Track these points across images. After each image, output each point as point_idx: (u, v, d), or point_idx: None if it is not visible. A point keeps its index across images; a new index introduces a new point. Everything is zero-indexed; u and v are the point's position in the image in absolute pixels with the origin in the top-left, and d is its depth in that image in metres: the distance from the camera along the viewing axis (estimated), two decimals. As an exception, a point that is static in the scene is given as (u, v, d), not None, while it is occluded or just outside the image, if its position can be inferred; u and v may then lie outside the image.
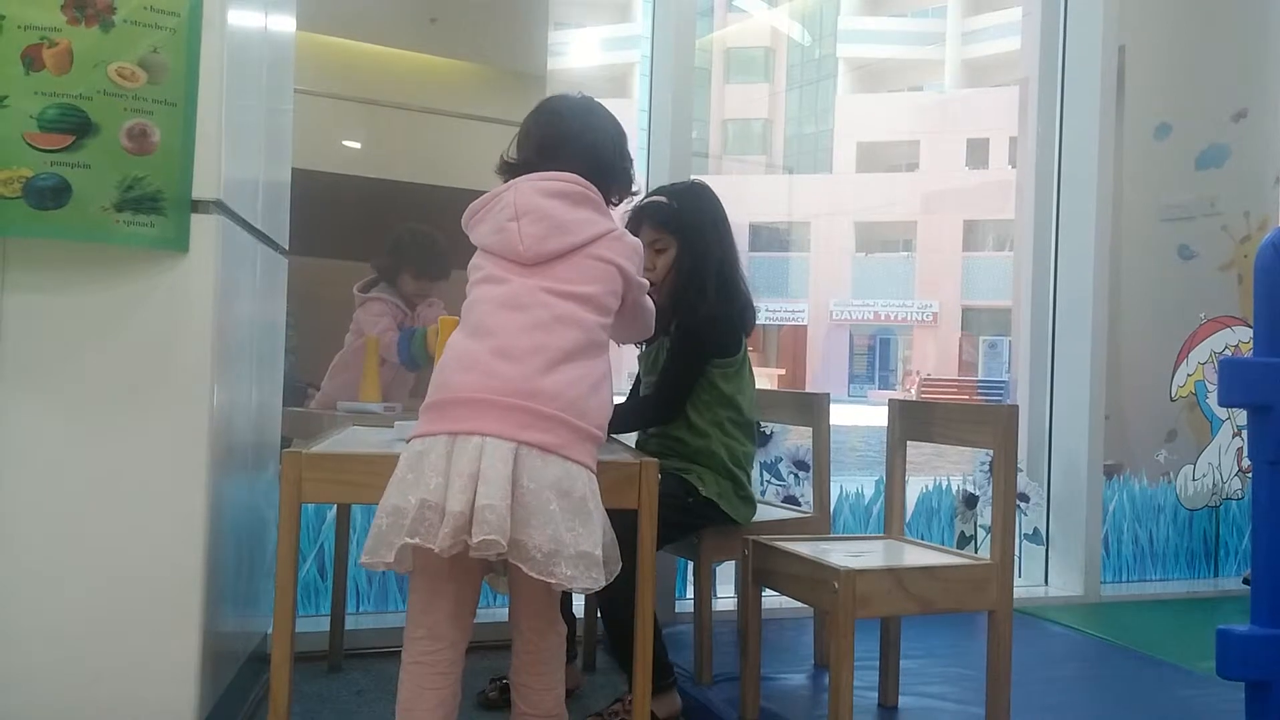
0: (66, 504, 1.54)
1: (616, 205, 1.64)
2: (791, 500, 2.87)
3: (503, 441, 1.34)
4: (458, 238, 1.61)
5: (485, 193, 1.57)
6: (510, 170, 1.58)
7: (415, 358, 2.68)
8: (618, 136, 1.64)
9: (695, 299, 2.06)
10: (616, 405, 2.08)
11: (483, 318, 1.46)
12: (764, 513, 2.26)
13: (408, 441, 1.42)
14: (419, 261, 2.73)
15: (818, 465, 2.37)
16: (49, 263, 1.54)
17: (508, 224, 1.48)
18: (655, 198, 2.14)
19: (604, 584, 1.38)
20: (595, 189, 1.54)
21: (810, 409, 2.37)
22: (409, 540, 1.32)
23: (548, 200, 1.49)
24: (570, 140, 1.57)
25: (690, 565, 2.58)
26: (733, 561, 2.34)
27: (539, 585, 1.38)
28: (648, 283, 1.64)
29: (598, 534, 1.38)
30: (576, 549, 1.34)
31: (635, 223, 2.09)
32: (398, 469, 1.39)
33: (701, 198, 2.17)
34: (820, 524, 2.33)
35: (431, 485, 1.33)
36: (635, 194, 1.71)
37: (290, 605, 1.53)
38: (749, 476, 2.16)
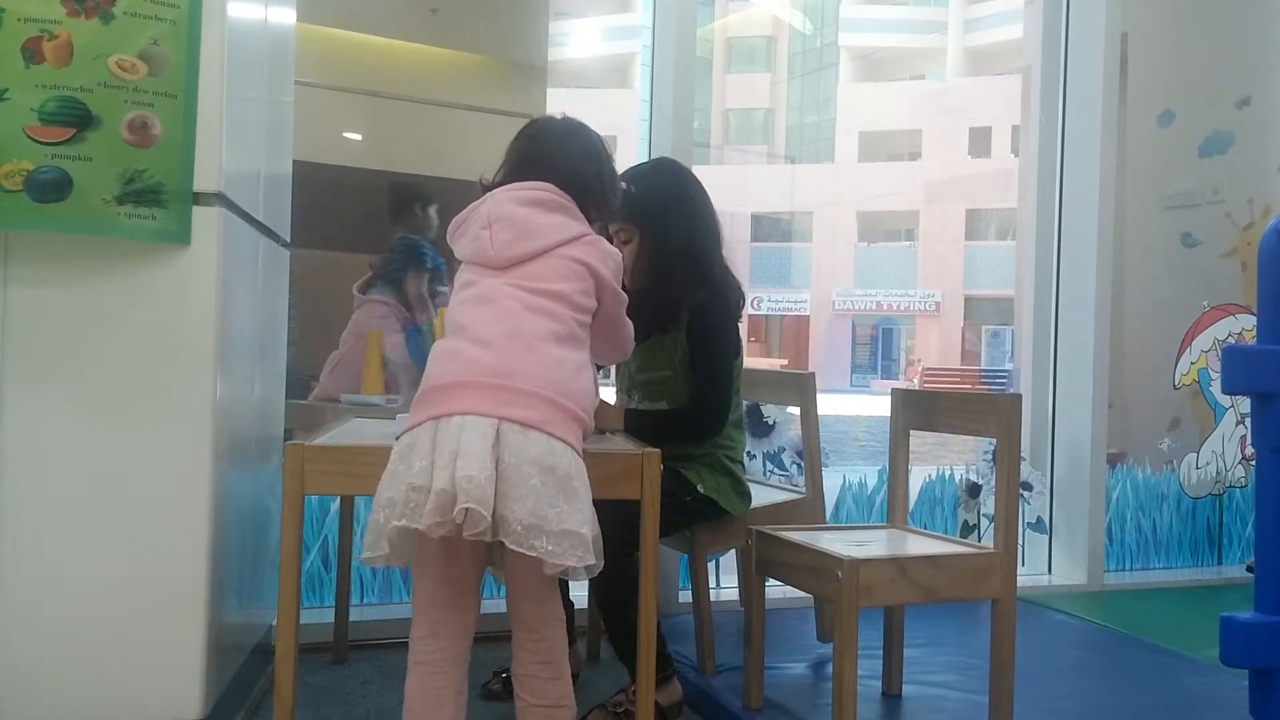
0: (70, 497, 1.55)
1: (594, 224, 1.61)
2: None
3: (482, 418, 1.35)
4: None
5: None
6: (488, 191, 1.59)
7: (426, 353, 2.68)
8: (597, 158, 1.63)
9: (660, 284, 1.97)
10: (639, 410, 2.06)
11: (457, 317, 1.49)
12: (759, 496, 2.25)
13: (396, 438, 1.42)
14: (421, 268, 2.71)
15: (808, 445, 2.36)
16: (51, 256, 1.54)
17: (480, 232, 1.51)
18: None
19: (593, 562, 1.36)
20: (570, 199, 1.55)
21: (797, 388, 2.37)
22: (397, 524, 1.32)
23: (520, 208, 1.52)
24: (544, 158, 1.58)
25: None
26: (730, 551, 2.34)
27: (533, 569, 1.38)
28: (625, 297, 1.61)
29: (585, 514, 1.37)
30: (560, 526, 1.33)
31: None
32: (389, 463, 1.39)
33: (661, 176, 2.08)
34: (813, 504, 2.33)
35: (416, 469, 1.34)
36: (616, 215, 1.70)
37: (294, 597, 1.53)
38: (743, 469, 2.15)
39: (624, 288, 1.61)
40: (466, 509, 1.29)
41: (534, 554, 1.32)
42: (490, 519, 1.30)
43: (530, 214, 1.51)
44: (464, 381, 1.39)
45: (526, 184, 1.54)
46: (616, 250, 1.60)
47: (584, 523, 1.36)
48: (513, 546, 1.32)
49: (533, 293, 1.46)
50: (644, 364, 2.08)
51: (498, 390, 1.37)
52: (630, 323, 1.67)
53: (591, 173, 1.61)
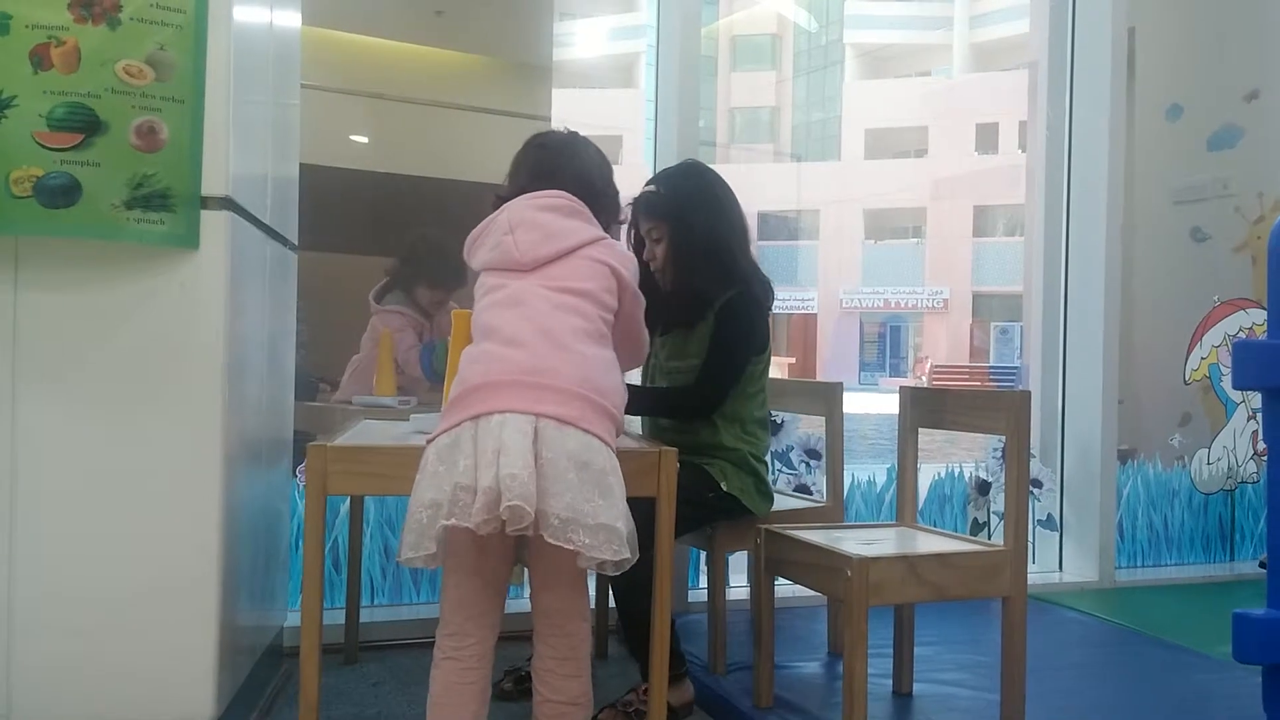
0: (81, 500, 1.55)
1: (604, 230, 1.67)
2: (803, 489, 2.86)
3: (520, 415, 1.38)
4: (467, 233, 1.62)
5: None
6: (504, 200, 1.62)
7: (439, 370, 2.68)
8: (604, 167, 1.70)
9: (687, 279, 2.04)
10: (642, 387, 2.09)
11: (488, 320, 1.51)
12: (778, 502, 2.27)
13: (428, 442, 1.43)
14: (434, 272, 2.71)
15: (831, 455, 2.37)
16: (61, 261, 1.55)
17: (504, 238, 1.54)
18: (646, 188, 2.14)
19: (627, 555, 1.38)
20: (584, 206, 1.60)
21: (823, 398, 2.37)
22: (446, 522, 1.34)
23: (540, 213, 1.56)
24: (560, 168, 1.63)
25: (703, 555, 2.58)
26: (744, 551, 2.34)
27: (562, 563, 1.40)
28: (644, 299, 1.65)
29: (620, 508, 1.39)
30: (595, 520, 1.36)
31: (632, 216, 2.09)
32: (427, 464, 1.40)
33: (690, 177, 2.15)
34: (833, 513, 2.33)
35: (461, 468, 1.36)
36: (622, 223, 1.78)
37: (317, 596, 1.53)
38: (768, 469, 2.17)
39: (656, 284, 1.64)
40: (510, 506, 1.31)
41: (571, 547, 1.34)
42: (533, 515, 1.33)
43: (551, 218, 1.55)
44: (500, 380, 1.41)
45: (542, 192, 1.58)
46: (632, 255, 1.65)
47: (618, 517, 1.38)
48: (551, 540, 1.34)
49: (560, 291, 1.50)
50: (673, 353, 2.13)
51: (534, 388, 1.40)
52: (646, 331, 1.71)
53: (601, 181, 1.67)
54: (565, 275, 1.52)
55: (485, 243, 1.57)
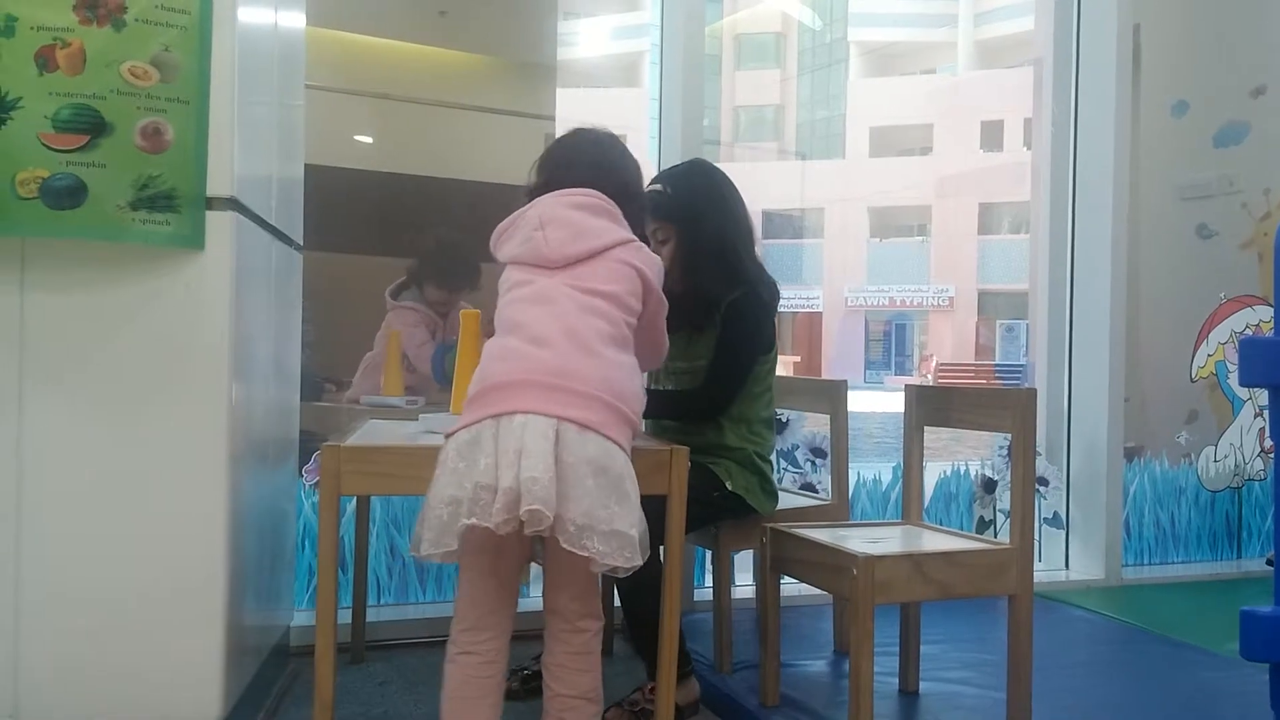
0: (88, 500, 1.56)
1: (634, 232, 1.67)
2: (809, 487, 2.86)
3: (543, 417, 1.38)
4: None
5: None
6: (535, 194, 1.62)
7: (449, 375, 2.69)
8: (637, 170, 1.70)
9: (693, 281, 2.03)
10: (648, 390, 2.10)
11: (513, 315, 1.51)
12: (784, 500, 2.26)
13: (447, 437, 1.44)
14: (443, 273, 2.72)
15: (836, 453, 2.37)
16: (67, 262, 1.55)
17: (534, 233, 1.54)
18: (652, 187, 2.11)
19: (639, 562, 1.39)
20: (615, 206, 1.59)
21: (828, 396, 2.37)
22: (466, 521, 1.35)
23: (570, 211, 1.56)
24: (595, 163, 1.63)
25: (708, 554, 2.58)
26: (750, 550, 2.34)
27: (579, 566, 1.40)
28: (666, 303, 1.65)
29: (634, 515, 1.40)
30: (610, 527, 1.36)
31: None
32: (447, 460, 1.40)
33: (696, 177, 2.14)
34: (839, 510, 2.33)
35: (482, 466, 1.36)
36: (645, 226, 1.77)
37: (332, 594, 1.54)
38: (772, 468, 2.17)
39: (664, 288, 1.65)
40: (530, 509, 1.31)
41: (586, 554, 1.35)
42: (551, 518, 1.33)
43: (581, 216, 1.55)
44: (524, 380, 1.41)
45: (574, 190, 1.58)
46: (658, 256, 1.64)
47: (633, 524, 1.39)
48: (566, 545, 1.35)
49: (586, 293, 1.50)
50: (677, 353, 2.11)
51: (558, 391, 1.40)
52: (666, 336, 1.71)
53: (635, 184, 1.67)
54: (592, 276, 1.52)
55: (514, 236, 1.57)
